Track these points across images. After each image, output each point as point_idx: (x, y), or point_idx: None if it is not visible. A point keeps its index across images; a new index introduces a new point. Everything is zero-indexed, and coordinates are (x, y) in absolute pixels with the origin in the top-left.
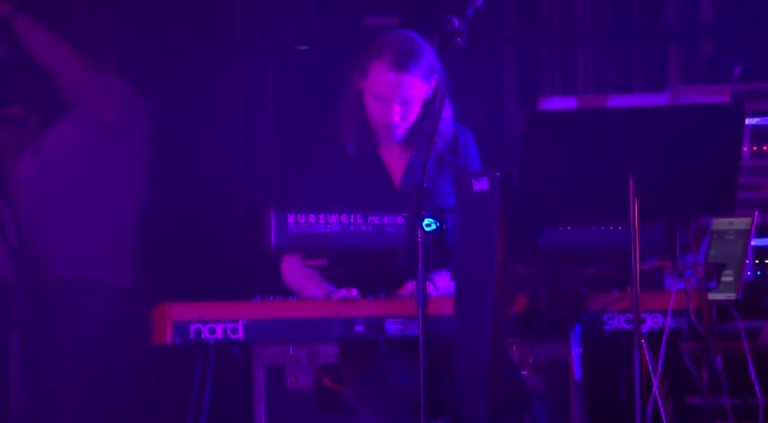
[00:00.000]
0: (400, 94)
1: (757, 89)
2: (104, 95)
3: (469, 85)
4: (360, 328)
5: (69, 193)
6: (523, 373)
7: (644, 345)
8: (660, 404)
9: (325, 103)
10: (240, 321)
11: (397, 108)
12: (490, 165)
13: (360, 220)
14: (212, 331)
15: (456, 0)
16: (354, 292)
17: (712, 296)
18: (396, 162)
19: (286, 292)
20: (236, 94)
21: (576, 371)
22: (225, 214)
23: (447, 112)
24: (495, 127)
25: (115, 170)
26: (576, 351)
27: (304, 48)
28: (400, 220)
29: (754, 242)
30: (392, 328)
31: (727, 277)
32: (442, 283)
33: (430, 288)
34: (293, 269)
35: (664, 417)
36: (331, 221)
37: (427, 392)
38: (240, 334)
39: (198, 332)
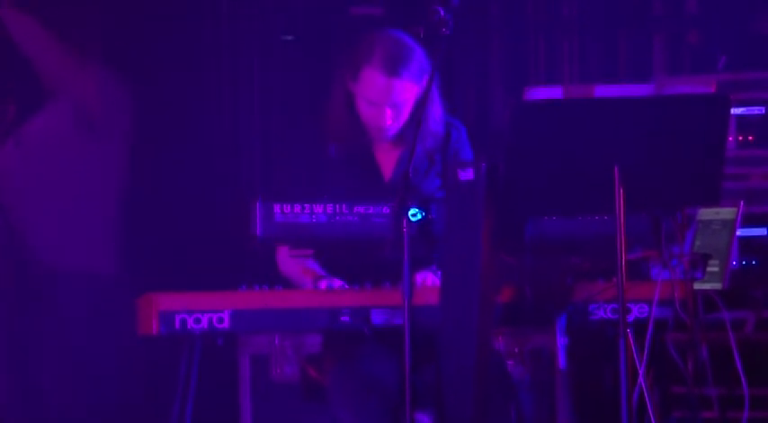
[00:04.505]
0: (391, 99)
1: (742, 79)
2: (87, 84)
3: (455, 76)
4: (346, 319)
5: (53, 183)
6: (509, 362)
7: (629, 335)
8: (646, 394)
9: (312, 94)
10: (226, 311)
11: (388, 112)
12: (476, 155)
13: (345, 211)
14: (198, 321)
15: None
16: (338, 282)
17: (698, 286)
18: (387, 158)
19: (272, 282)
20: (222, 84)
21: (562, 361)
22: (210, 204)
23: (437, 111)
24: (480, 117)
25: (99, 159)
26: (561, 341)
27: (290, 38)
28: (386, 210)
29: (739, 232)
30: (378, 317)
31: (713, 267)
32: None
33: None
34: (288, 258)
35: (649, 406)
36: (317, 211)
37: (411, 383)
38: (226, 324)
39: (183, 322)
